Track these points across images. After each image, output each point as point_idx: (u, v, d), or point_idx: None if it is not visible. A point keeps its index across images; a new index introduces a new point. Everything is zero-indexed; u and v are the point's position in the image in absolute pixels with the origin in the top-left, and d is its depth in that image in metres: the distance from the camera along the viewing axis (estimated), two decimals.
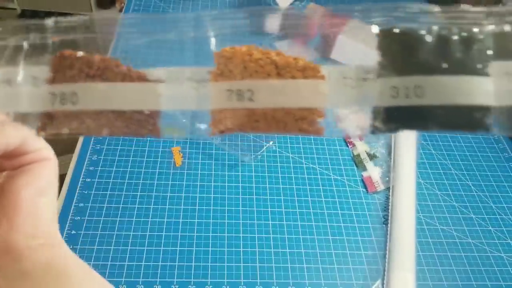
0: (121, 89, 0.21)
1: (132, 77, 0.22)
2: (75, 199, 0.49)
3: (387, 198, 0.54)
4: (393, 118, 0.20)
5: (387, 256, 0.49)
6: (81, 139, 0.56)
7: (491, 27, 0.20)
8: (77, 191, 0.50)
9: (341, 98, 0.21)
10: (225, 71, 0.21)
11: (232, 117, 0.21)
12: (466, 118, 0.19)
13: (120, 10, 1.53)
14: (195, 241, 0.48)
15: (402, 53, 0.20)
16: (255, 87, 0.21)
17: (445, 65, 0.19)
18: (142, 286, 0.44)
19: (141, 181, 0.52)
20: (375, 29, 0.21)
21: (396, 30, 0.20)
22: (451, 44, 0.20)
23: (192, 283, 0.45)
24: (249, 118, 0.21)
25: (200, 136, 0.22)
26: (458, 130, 0.20)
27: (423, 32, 0.20)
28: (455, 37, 0.20)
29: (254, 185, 0.54)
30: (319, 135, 0.21)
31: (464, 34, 0.20)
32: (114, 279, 0.44)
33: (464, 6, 0.20)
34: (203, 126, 0.22)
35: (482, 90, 0.19)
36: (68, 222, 0.47)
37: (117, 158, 0.54)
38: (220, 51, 0.22)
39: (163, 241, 0.47)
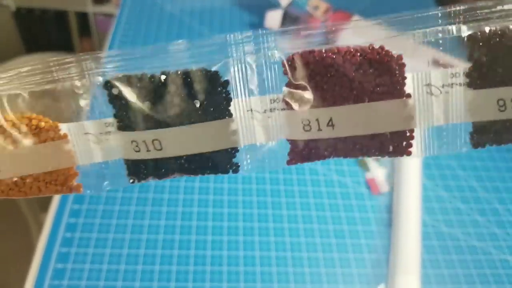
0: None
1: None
2: (70, 200, 0.48)
3: (392, 200, 0.53)
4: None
5: (391, 259, 0.48)
6: None
7: None
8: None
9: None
10: None
11: None
12: None
13: (116, 6, 1.52)
14: (193, 244, 0.47)
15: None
16: None
17: None
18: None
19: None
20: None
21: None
22: None
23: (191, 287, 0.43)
24: None
25: None
26: None
27: None
28: None
29: (254, 186, 0.53)
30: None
31: None
32: (110, 283, 0.43)
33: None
34: None
35: None
36: (63, 224, 0.46)
37: None
38: None
39: (159, 244, 0.46)
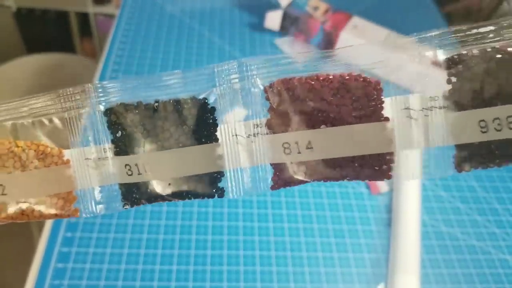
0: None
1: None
2: None
3: (391, 200, 0.53)
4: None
5: (390, 259, 0.48)
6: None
7: None
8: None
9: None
10: None
11: None
12: None
13: (117, 7, 1.52)
14: (193, 243, 0.47)
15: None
16: None
17: None
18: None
19: None
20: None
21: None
22: None
23: (191, 287, 0.44)
24: None
25: None
26: None
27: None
28: None
29: None
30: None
31: None
32: (111, 282, 0.43)
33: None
34: None
35: None
36: (64, 224, 0.46)
37: None
38: None
39: (160, 243, 0.46)
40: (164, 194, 0.22)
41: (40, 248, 0.45)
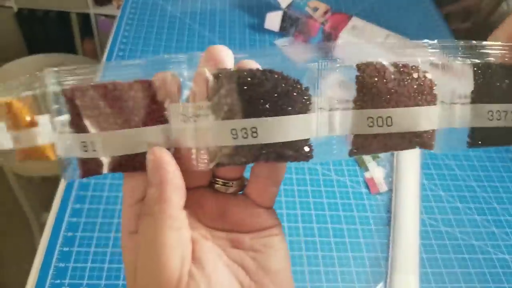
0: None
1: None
2: (72, 200, 0.48)
3: (390, 199, 0.53)
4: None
5: (389, 258, 0.48)
6: None
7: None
8: (73, 192, 0.49)
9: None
10: None
11: None
12: None
13: (118, 8, 1.52)
14: None
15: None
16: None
17: None
18: None
19: None
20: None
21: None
22: None
23: None
24: None
25: None
26: None
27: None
28: None
29: None
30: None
31: None
32: (111, 282, 0.43)
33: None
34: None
35: None
36: (64, 223, 0.46)
37: None
38: None
39: None
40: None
41: (41, 247, 0.45)
